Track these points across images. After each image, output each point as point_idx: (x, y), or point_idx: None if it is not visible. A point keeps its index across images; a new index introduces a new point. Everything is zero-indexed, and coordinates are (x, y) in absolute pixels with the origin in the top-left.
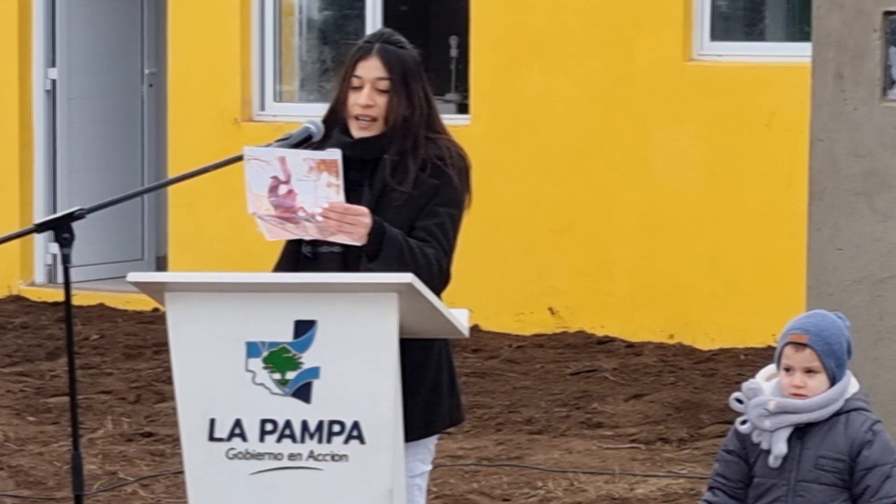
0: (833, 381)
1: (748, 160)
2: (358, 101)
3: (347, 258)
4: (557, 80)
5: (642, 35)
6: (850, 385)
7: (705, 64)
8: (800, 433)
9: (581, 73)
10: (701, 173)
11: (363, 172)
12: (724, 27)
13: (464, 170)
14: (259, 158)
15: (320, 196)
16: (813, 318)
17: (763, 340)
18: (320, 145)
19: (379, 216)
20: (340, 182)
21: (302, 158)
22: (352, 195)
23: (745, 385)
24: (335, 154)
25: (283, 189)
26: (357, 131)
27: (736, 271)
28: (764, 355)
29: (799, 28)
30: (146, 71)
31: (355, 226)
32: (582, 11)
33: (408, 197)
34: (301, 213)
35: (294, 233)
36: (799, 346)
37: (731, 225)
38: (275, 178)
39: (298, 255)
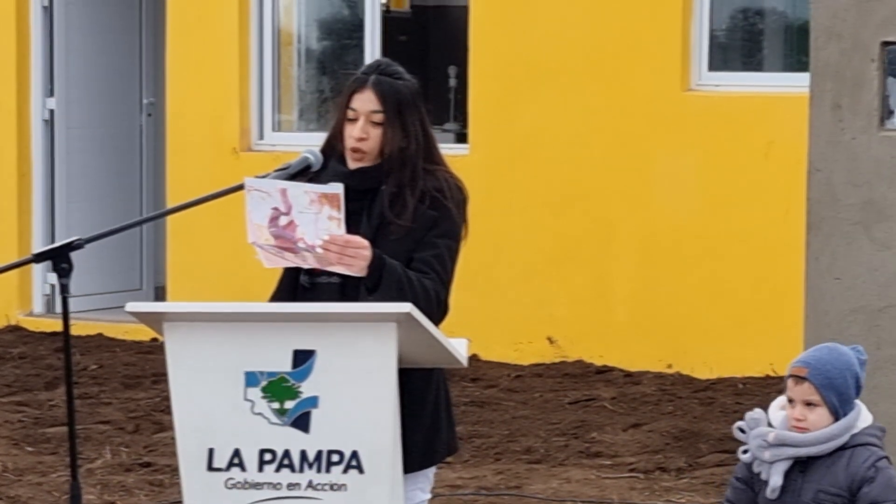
0: (836, 415)
1: (746, 190)
2: (352, 133)
3: (346, 288)
4: (556, 109)
5: (640, 65)
6: (861, 419)
7: (703, 94)
8: (802, 465)
9: (579, 103)
10: (699, 203)
11: (361, 203)
12: (722, 57)
13: (462, 202)
14: (260, 189)
15: (321, 228)
16: (819, 351)
17: (761, 370)
18: (318, 175)
19: (377, 247)
20: (342, 216)
21: (303, 191)
22: (350, 226)
23: (748, 415)
24: (337, 188)
25: (283, 220)
26: (352, 162)
27: (734, 301)
28: (762, 384)
29: (797, 59)
30: (145, 101)
31: (355, 258)
32: (580, 41)
33: (407, 230)
34: (301, 245)
35: (292, 261)
36: (798, 378)
37: (730, 254)
38: (275, 209)
39: (296, 285)
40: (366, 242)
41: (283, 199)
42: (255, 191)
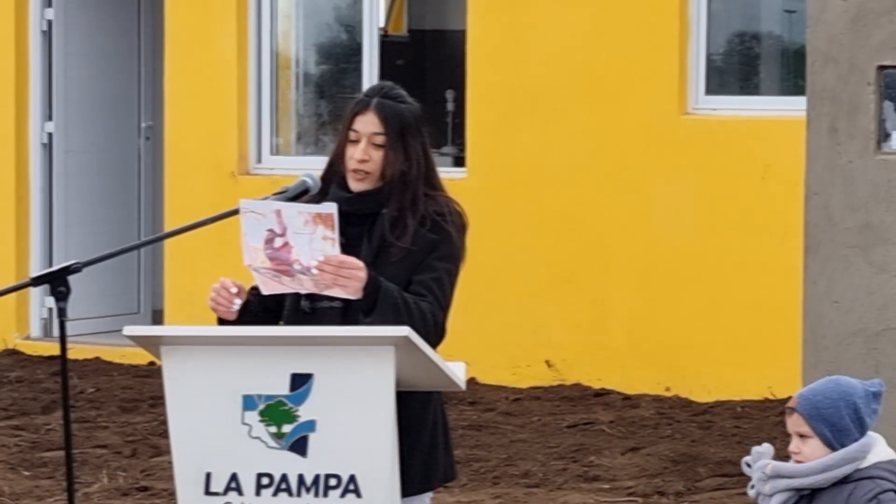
0: (831, 446)
1: (743, 213)
2: (354, 154)
3: (348, 313)
4: (553, 133)
5: (637, 89)
6: (874, 454)
7: (700, 117)
8: (808, 499)
9: (577, 127)
10: (697, 226)
11: (361, 227)
12: (719, 81)
13: (462, 227)
14: (255, 211)
15: (316, 249)
16: (818, 383)
17: (759, 393)
18: (319, 200)
19: (377, 271)
20: (336, 236)
21: (297, 212)
22: (350, 250)
23: (753, 449)
24: (331, 207)
25: (278, 242)
26: (354, 184)
27: (732, 324)
28: (761, 408)
29: (793, 82)
30: (143, 124)
31: (350, 279)
32: (577, 65)
33: (406, 252)
34: (297, 266)
35: (290, 286)
36: (790, 409)
37: (727, 278)
38: (271, 230)
39: (297, 310)
40: (360, 263)
41: (278, 221)
42: (250, 212)
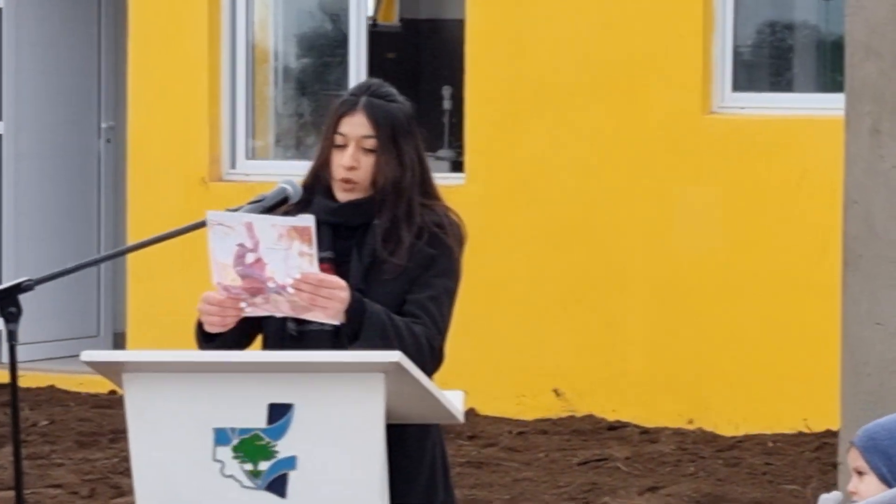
0: (888, 484)
1: (776, 224)
2: (341, 161)
3: (339, 336)
4: (562, 135)
5: (656, 85)
6: None
7: (727, 117)
8: None
9: (588, 128)
10: (723, 239)
11: (350, 241)
12: (747, 76)
13: (461, 240)
14: (223, 223)
15: (291, 266)
16: (887, 417)
17: (793, 426)
18: (303, 210)
19: (369, 288)
20: (314, 251)
21: (270, 224)
22: (339, 265)
23: (821, 497)
24: (308, 220)
25: (250, 258)
26: (341, 194)
27: (763, 349)
28: (795, 442)
29: (831, 77)
30: (103, 125)
31: (331, 300)
32: (589, 59)
33: (402, 268)
34: (271, 285)
35: (264, 308)
36: (850, 444)
37: (758, 297)
38: (241, 245)
39: (283, 334)
40: (342, 283)
41: (249, 235)
42: (218, 225)
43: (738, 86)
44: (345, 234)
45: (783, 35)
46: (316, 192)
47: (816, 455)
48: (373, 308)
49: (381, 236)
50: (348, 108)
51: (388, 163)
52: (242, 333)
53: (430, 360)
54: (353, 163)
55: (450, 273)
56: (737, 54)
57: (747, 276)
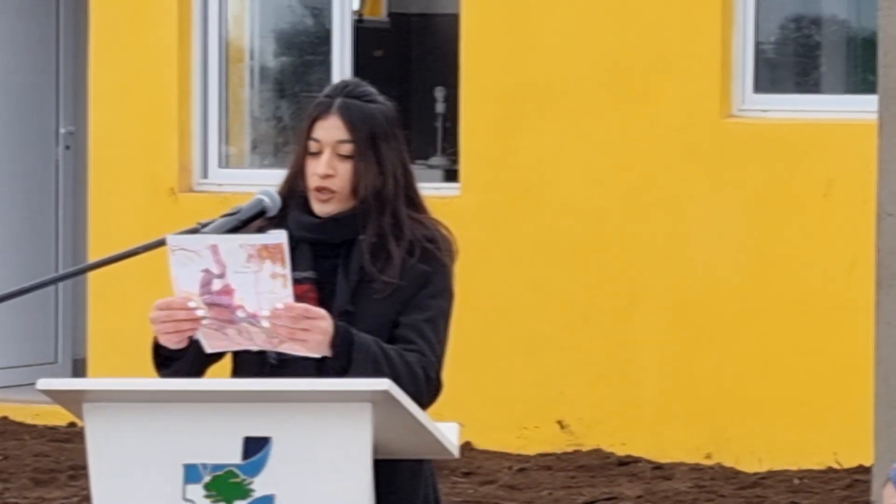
0: None
1: (801, 238)
2: (316, 169)
3: (325, 365)
4: (568, 140)
5: (671, 85)
6: None
7: (748, 121)
8: None
9: (597, 133)
10: (744, 254)
11: (335, 259)
12: (770, 77)
13: (454, 257)
14: (185, 248)
15: (263, 290)
16: None
17: (821, 461)
18: (278, 226)
19: (357, 310)
20: (287, 272)
21: (238, 245)
22: (323, 287)
23: None
24: (279, 237)
25: (217, 284)
26: (318, 205)
27: (788, 376)
28: (823, 479)
29: (862, 78)
30: (62, 130)
31: (310, 332)
32: (598, 57)
33: (393, 287)
34: (240, 314)
35: (237, 341)
36: (887, 479)
37: (781, 318)
38: (206, 270)
39: (261, 362)
40: (322, 313)
41: (215, 258)
42: (180, 250)
43: (761, 87)
44: (326, 252)
45: (809, 31)
46: (291, 206)
47: (847, 493)
48: (361, 339)
49: (368, 252)
50: (322, 110)
51: (368, 169)
52: (206, 359)
53: (426, 390)
54: (329, 170)
55: (445, 293)
56: (759, 52)
57: (770, 295)
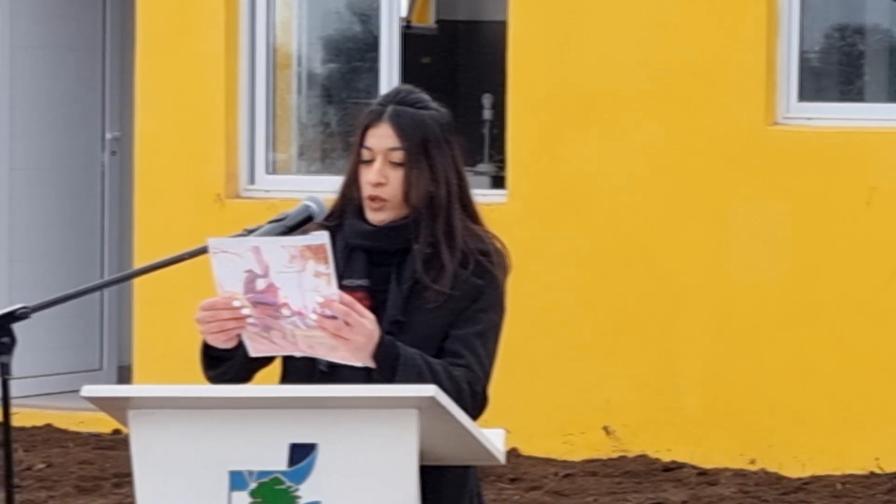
0: None
1: (844, 246)
2: (368, 177)
3: (374, 372)
4: (613, 148)
5: (716, 94)
6: None
7: (792, 129)
8: None
9: (641, 140)
10: (787, 262)
11: (388, 268)
12: (814, 85)
13: (507, 271)
14: (227, 250)
15: (307, 289)
16: None
17: (864, 465)
18: (335, 233)
19: (409, 318)
20: (331, 271)
21: (280, 246)
22: (375, 295)
23: None
24: (321, 238)
25: (261, 283)
26: (371, 214)
27: (830, 381)
28: (866, 484)
29: None
30: (108, 135)
31: (354, 329)
32: (643, 66)
33: (445, 297)
34: (286, 312)
35: (281, 345)
36: None
37: (824, 325)
38: (249, 271)
39: (312, 369)
40: (368, 314)
41: (257, 259)
42: (222, 252)
43: (805, 95)
44: (381, 260)
45: (854, 40)
46: (347, 214)
47: (889, 498)
48: (406, 352)
49: (421, 261)
50: (373, 118)
51: (420, 176)
52: (253, 362)
53: (471, 405)
54: (380, 178)
55: (496, 307)
56: (803, 61)
57: (813, 301)
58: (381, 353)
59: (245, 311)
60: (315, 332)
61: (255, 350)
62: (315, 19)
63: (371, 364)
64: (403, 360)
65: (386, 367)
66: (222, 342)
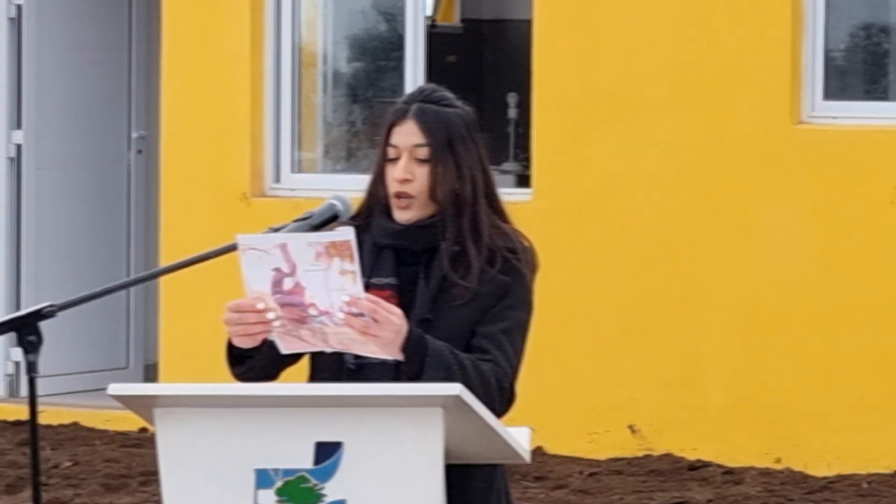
0: None
1: (869, 245)
2: (394, 174)
3: (403, 365)
4: (638, 146)
5: (741, 93)
6: None
7: (817, 127)
8: None
9: (666, 139)
10: (812, 261)
11: (416, 266)
12: (840, 84)
13: (534, 269)
14: (256, 247)
15: (333, 287)
16: None
17: (889, 465)
18: (363, 232)
19: (437, 316)
20: (356, 267)
21: (307, 243)
22: (403, 293)
23: None
24: (347, 234)
25: (288, 283)
26: (398, 212)
27: (856, 380)
28: (891, 483)
29: None
30: (133, 134)
31: (383, 325)
32: (667, 65)
33: (473, 294)
34: (313, 312)
35: (311, 342)
36: None
37: (850, 324)
38: (277, 269)
39: (340, 366)
40: (396, 310)
41: (285, 257)
42: (251, 250)
43: (830, 94)
44: (409, 259)
45: (879, 38)
46: (375, 213)
47: None
48: (435, 345)
49: (448, 258)
50: (399, 116)
51: (445, 173)
52: (279, 361)
53: (499, 401)
54: (406, 174)
55: (524, 304)
56: (829, 59)
57: (838, 300)
58: (409, 346)
59: (270, 316)
60: (344, 329)
61: (285, 347)
62: (341, 18)
63: (401, 357)
64: (432, 353)
65: (415, 361)
66: (247, 344)
